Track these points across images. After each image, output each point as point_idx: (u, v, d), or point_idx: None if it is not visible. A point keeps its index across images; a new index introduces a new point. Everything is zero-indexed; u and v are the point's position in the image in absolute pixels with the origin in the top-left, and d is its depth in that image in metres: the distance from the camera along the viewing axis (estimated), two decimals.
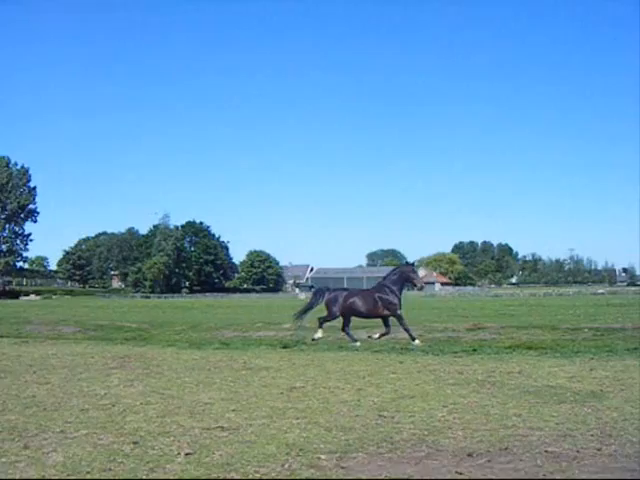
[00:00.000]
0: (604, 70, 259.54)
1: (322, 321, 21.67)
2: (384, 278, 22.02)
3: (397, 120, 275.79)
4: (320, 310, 21.86)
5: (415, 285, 22.41)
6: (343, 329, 21.58)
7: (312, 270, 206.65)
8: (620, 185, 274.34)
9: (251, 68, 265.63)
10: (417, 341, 20.12)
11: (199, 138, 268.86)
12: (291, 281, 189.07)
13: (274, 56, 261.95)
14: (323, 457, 7.36)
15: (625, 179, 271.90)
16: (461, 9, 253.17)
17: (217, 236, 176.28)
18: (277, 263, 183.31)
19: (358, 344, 19.96)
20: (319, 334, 21.30)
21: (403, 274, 21.62)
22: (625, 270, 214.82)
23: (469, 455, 7.39)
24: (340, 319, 21.64)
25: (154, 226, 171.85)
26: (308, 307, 22.33)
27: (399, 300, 21.17)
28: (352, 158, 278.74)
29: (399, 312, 21.03)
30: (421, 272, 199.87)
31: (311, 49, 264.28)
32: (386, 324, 21.26)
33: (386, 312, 21.11)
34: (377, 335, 20.99)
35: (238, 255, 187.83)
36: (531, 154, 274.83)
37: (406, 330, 20.86)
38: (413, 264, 23.07)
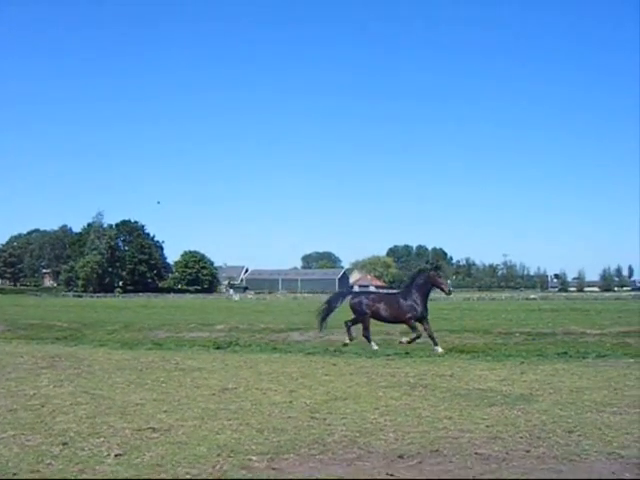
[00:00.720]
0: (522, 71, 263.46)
1: (351, 324, 21.09)
2: (410, 282, 21.54)
3: (331, 121, 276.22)
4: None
5: (443, 290, 21.57)
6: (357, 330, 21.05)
7: (247, 271, 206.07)
8: (552, 193, 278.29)
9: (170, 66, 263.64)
10: (439, 348, 19.42)
11: (133, 136, 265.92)
12: (226, 282, 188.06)
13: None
14: (254, 458, 7.35)
15: (557, 187, 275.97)
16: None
17: (152, 235, 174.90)
18: (212, 264, 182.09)
19: (375, 347, 19.69)
20: (347, 340, 20.62)
21: (430, 279, 20.98)
22: (557, 276, 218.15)
23: (400, 457, 7.44)
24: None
25: (88, 224, 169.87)
26: (329, 310, 21.50)
27: (422, 306, 20.60)
28: (286, 159, 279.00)
29: (413, 322, 20.50)
30: (355, 275, 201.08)
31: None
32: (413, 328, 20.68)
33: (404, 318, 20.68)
34: (405, 340, 20.39)
35: (172, 255, 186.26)
36: (464, 160, 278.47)
37: (416, 336, 20.35)
38: (439, 267, 21.89)
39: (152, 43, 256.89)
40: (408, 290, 21.08)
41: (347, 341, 20.53)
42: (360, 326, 20.61)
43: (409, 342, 20.11)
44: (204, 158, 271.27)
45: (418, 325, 20.39)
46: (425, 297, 20.88)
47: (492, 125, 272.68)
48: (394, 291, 24.89)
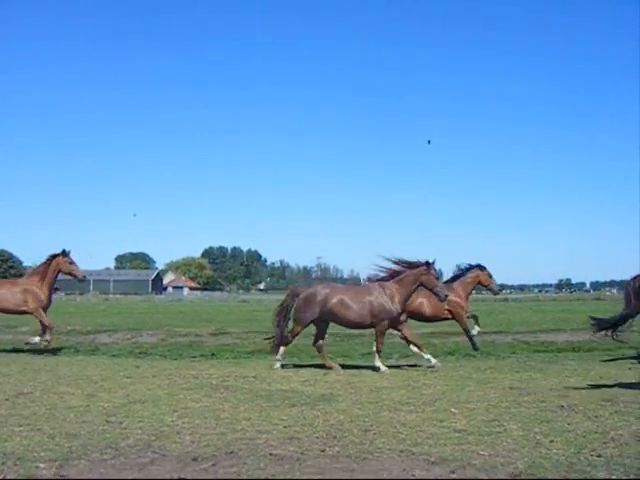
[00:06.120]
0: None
1: None
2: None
3: (137, 115, 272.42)
4: None
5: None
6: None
7: None
8: (363, 195, 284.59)
9: None
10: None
11: None
12: None
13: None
14: (42, 466, 7.07)
15: (367, 189, 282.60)
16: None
17: None
18: (20, 263, 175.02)
19: None
20: None
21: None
22: (369, 279, 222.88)
23: (194, 460, 7.34)
24: None
25: None
26: None
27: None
28: (97, 157, 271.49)
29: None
30: (170, 276, 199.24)
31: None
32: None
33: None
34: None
35: None
36: (277, 163, 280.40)
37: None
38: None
39: None
40: None
41: None
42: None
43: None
44: (9, 153, 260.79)
45: None
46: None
47: (302, 129, 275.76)
48: None
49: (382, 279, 16.50)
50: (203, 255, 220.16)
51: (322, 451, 7.71)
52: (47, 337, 19.09)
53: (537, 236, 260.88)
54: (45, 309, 19.55)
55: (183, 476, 6.78)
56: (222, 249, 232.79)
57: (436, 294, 16.36)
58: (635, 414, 9.71)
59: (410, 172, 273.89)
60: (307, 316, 15.79)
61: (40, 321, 19.23)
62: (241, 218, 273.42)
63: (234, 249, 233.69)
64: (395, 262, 16.32)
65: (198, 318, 37.23)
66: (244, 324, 31.98)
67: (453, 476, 6.81)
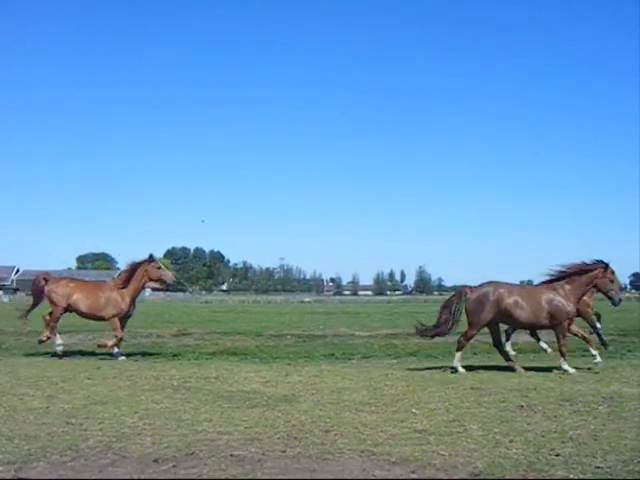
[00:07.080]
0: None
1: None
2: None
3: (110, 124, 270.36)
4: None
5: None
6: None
7: (18, 272, 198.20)
8: (326, 196, 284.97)
9: None
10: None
11: None
12: None
13: None
14: (0, 469, 7.00)
15: (331, 191, 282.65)
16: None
17: None
18: None
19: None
20: None
21: None
22: (332, 280, 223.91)
23: (155, 461, 7.32)
24: None
25: None
26: None
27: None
28: (63, 156, 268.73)
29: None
30: None
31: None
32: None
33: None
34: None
35: None
36: (240, 163, 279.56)
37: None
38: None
39: None
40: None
41: None
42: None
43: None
44: None
45: None
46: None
47: (263, 131, 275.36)
48: None
49: (552, 280, 15.80)
50: (165, 256, 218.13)
51: (283, 452, 7.72)
52: (109, 342, 18.12)
53: (499, 236, 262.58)
54: (125, 318, 18.66)
55: (143, 477, 6.77)
56: (185, 250, 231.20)
57: (610, 298, 15.95)
58: (593, 414, 9.84)
59: (377, 173, 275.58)
60: (482, 318, 15.26)
61: (113, 329, 18.28)
62: (204, 219, 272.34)
63: (197, 250, 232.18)
64: (569, 267, 15.80)
65: (160, 319, 37.08)
66: (206, 325, 31.94)
67: (413, 476, 6.86)
